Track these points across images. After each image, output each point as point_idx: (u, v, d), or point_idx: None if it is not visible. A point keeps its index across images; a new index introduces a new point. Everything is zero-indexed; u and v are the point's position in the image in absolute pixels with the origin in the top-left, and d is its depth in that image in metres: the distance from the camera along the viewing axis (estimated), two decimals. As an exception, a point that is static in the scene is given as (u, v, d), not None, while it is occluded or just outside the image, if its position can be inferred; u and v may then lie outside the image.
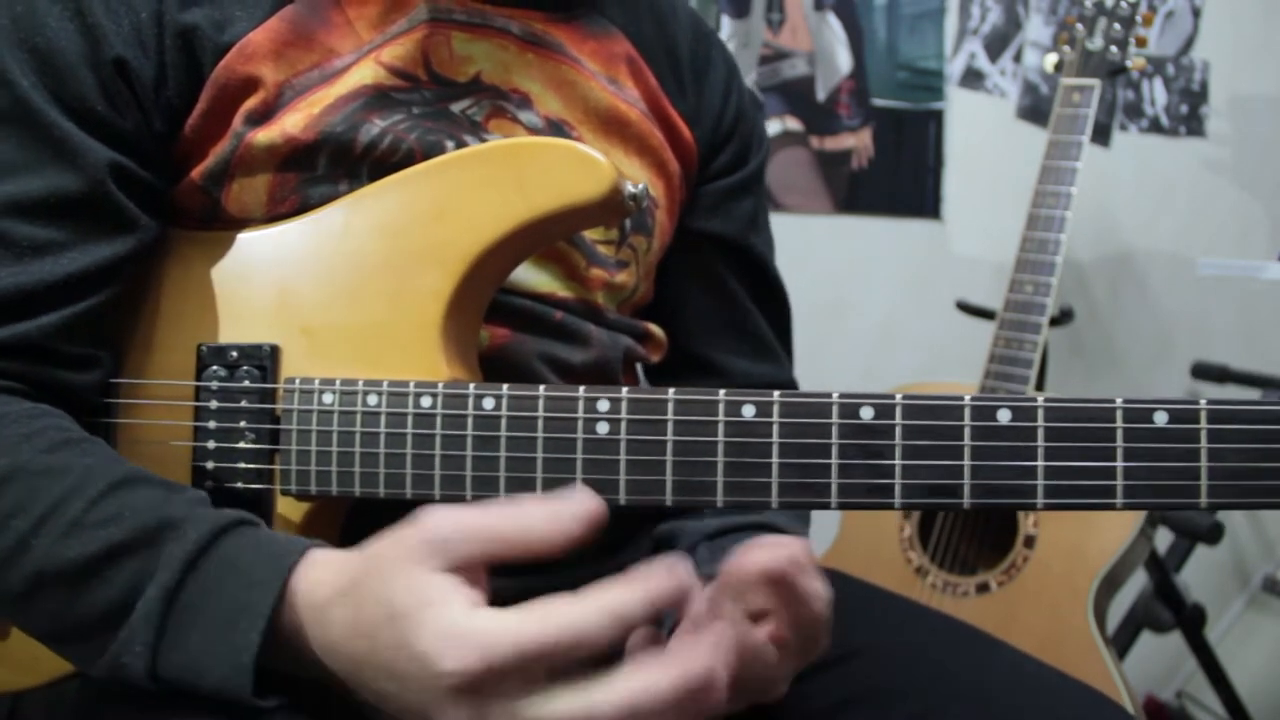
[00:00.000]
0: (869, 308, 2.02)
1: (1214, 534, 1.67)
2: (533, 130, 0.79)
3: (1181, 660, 2.06)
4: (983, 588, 1.44)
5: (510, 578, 0.78)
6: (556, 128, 0.80)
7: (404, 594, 0.52)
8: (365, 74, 0.74)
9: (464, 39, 0.77)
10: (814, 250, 1.95)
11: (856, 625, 0.81)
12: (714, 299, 0.91)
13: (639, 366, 0.91)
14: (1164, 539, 1.84)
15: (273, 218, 0.73)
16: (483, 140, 0.76)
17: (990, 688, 0.73)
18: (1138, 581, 1.75)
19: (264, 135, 0.71)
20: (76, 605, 0.60)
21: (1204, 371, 2.01)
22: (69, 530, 0.60)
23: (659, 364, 0.92)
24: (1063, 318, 1.67)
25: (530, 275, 0.78)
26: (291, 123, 0.71)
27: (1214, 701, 1.89)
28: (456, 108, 0.77)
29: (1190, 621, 1.74)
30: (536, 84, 0.80)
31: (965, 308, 1.81)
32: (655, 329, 0.88)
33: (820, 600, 0.63)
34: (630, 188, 0.68)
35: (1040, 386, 1.60)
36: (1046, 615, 1.37)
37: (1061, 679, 0.75)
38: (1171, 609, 1.73)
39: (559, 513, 0.54)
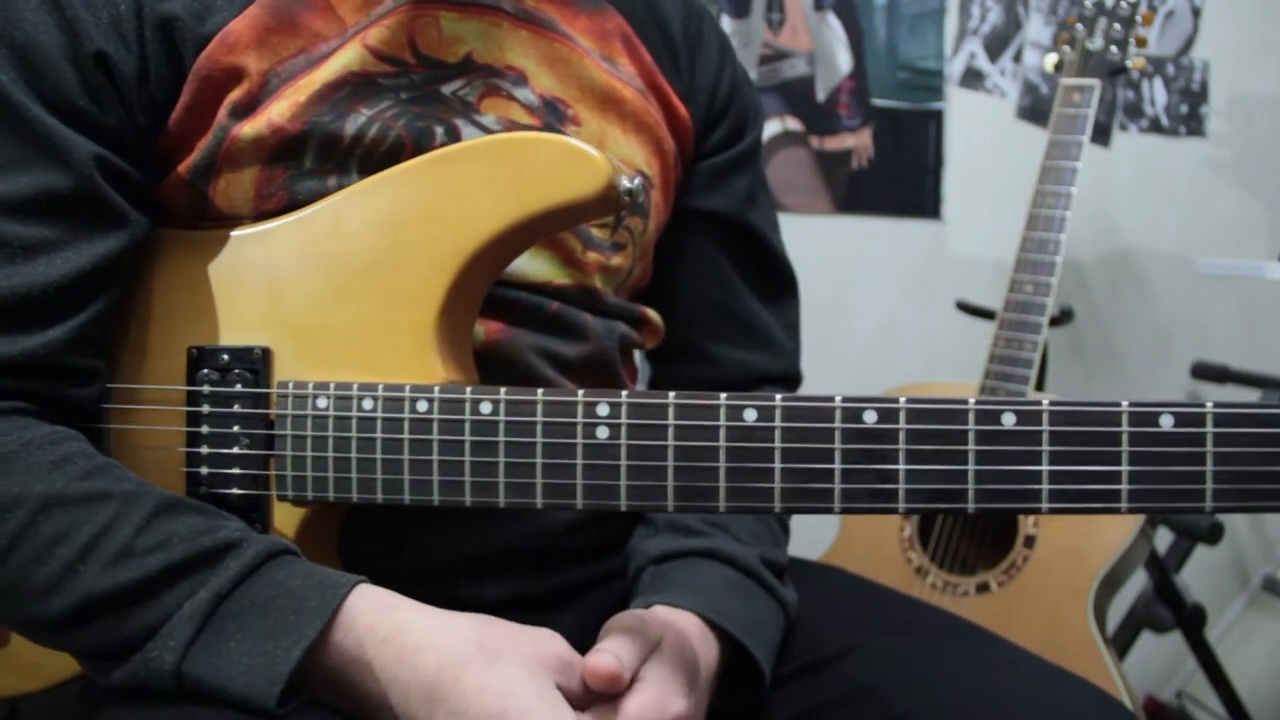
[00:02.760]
0: (869, 308, 2.01)
1: (1214, 534, 1.67)
2: (529, 108, 0.78)
3: (1181, 660, 2.06)
4: (983, 588, 1.43)
5: (512, 579, 0.77)
6: (552, 106, 0.79)
7: (527, 692, 0.60)
8: (351, 58, 0.73)
9: (453, 18, 0.76)
10: (814, 250, 1.94)
11: (856, 620, 0.81)
12: (707, 282, 0.90)
13: (635, 352, 0.90)
14: (1164, 539, 1.84)
15: (261, 214, 0.72)
16: (475, 121, 0.75)
17: (989, 683, 0.73)
18: (1138, 581, 1.74)
19: (250, 127, 0.70)
20: (125, 626, 0.61)
21: (1204, 371, 2.00)
22: (118, 557, 0.61)
23: (654, 350, 0.91)
24: (1063, 318, 1.66)
25: (526, 264, 0.77)
26: (277, 111, 0.70)
27: (1214, 701, 1.88)
28: (448, 89, 0.76)
29: (1190, 621, 1.74)
30: (531, 61, 0.79)
31: (965, 308, 1.81)
32: (652, 314, 0.88)
33: None
34: (625, 182, 0.67)
35: (1040, 387, 1.59)
36: (1046, 615, 1.36)
37: (1060, 674, 0.75)
38: (1171, 609, 1.73)
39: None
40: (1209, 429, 0.57)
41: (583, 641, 0.72)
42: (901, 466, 0.59)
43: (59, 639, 0.65)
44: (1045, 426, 0.58)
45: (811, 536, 1.02)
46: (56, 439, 0.66)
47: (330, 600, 0.61)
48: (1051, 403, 0.58)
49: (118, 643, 0.61)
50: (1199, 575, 1.93)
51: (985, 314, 1.70)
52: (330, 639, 0.61)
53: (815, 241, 1.95)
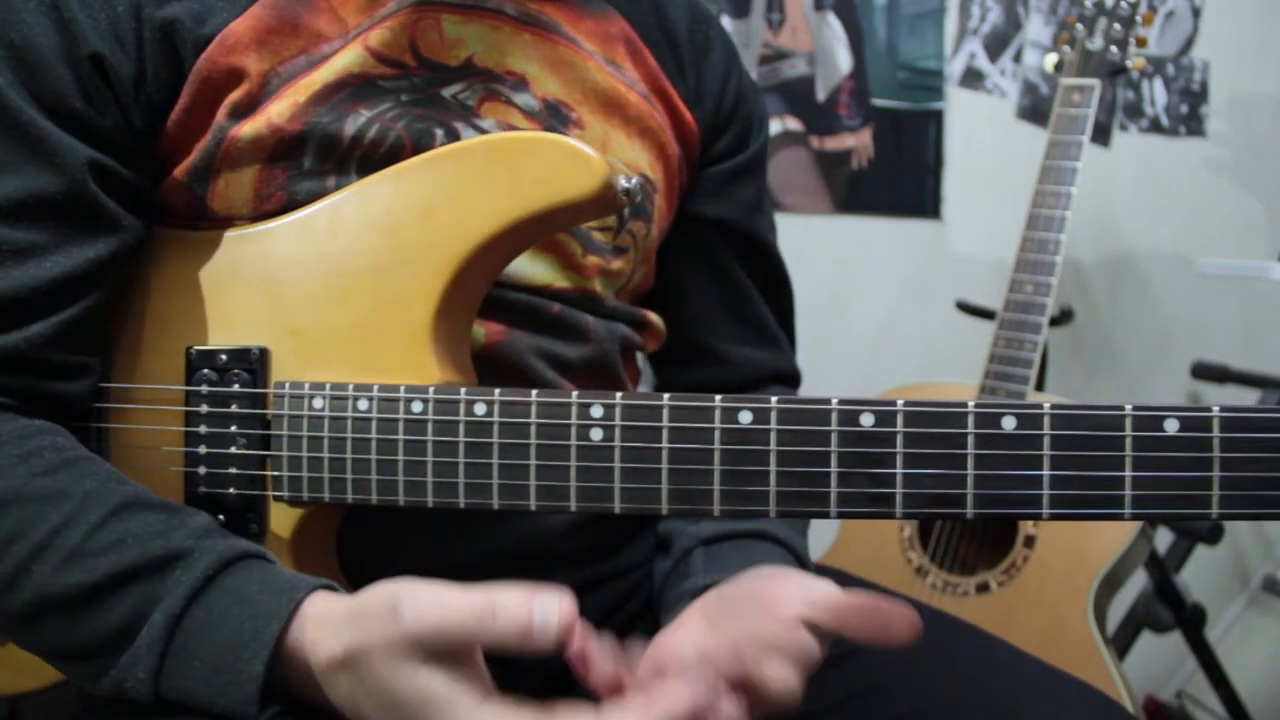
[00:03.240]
0: (869, 308, 2.01)
1: (1214, 534, 1.67)
2: (528, 113, 0.78)
3: (1181, 660, 2.05)
4: (983, 588, 1.43)
5: (509, 580, 0.77)
6: (554, 109, 0.79)
7: (403, 692, 0.55)
8: (351, 60, 0.72)
9: (455, 21, 0.76)
10: (814, 250, 1.95)
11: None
12: (716, 285, 0.90)
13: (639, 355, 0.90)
14: (1164, 539, 1.84)
15: (259, 215, 0.72)
16: (474, 125, 0.75)
17: (990, 686, 0.73)
18: (1138, 581, 1.74)
19: (249, 127, 0.70)
20: (78, 630, 0.61)
21: (1204, 371, 2.00)
22: (69, 558, 0.61)
23: (659, 352, 0.91)
24: (1063, 318, 1.67)
25: (526, 266, 0.76)
26: (277, 111, 0.70)
27: (1214, 701, 1.88)
28: (448, 92, 0.75)
29: (1190, 621, 1.74)
30: (534, 65, 0.78)
31: (965, 308, 1.81)
32: (654, 317, 0.87)
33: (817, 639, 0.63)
34: (623, 182, 0.67)
35: (1040, 387, 1.59)
36: (1046, 615, 1.36)
37: (1061, 677, 0.75)
38: (1171, 609, 1.73)
39: (534, 628, 0.55)
40: (1215, 434, 0.55)
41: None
42: (899, 470, 0.59)
43: (20, 638, 0.65)
44: (1046, 431, 0.57)
45: (812, 536, 1.01)
46: (29, 433, 0.65)
47: (287, 603, 0.59)
48: (1053, 406, 0.57)
49: (76, 645, 0.61)
50: (1199, 575, 1.93)
51: (985, 314, 1.71)
52: (290, 644, 0.59)
53: (815, 241, 1.95)
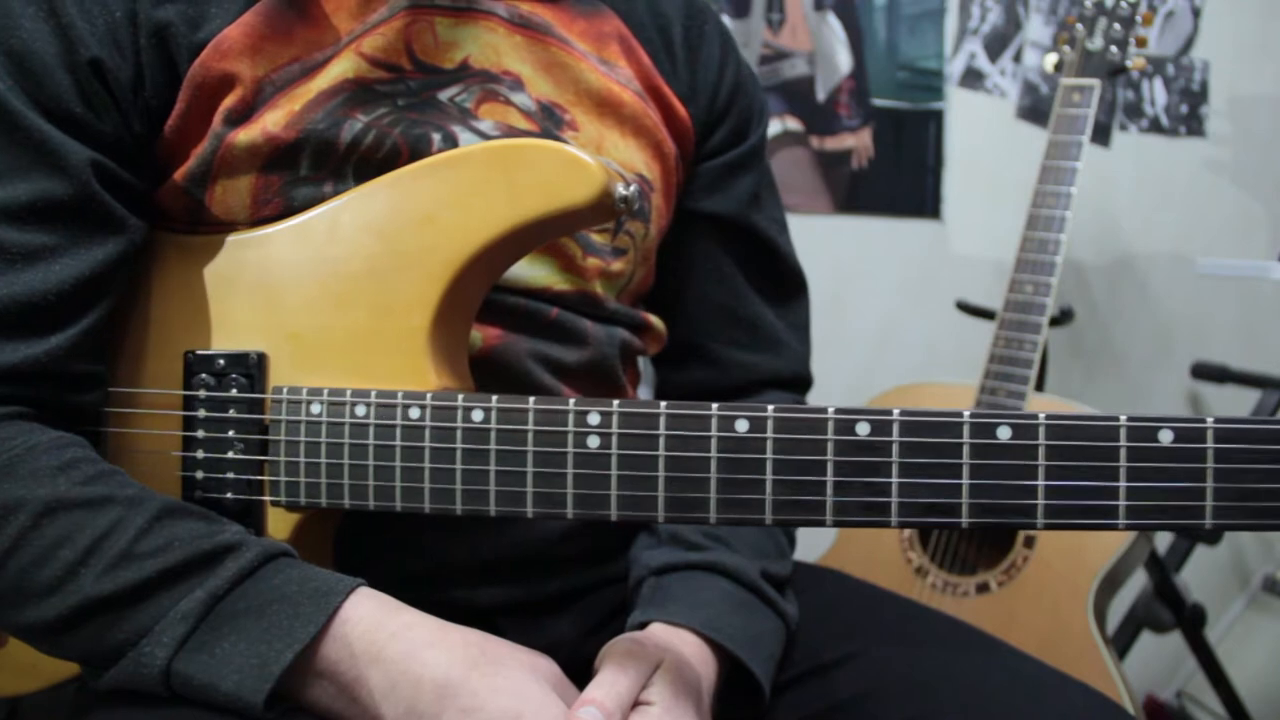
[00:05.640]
0: (868, 308, 2.01)
1: (1214, 534, 1.67)
2: (526, 113, 0.78)
3: (1181, 660, 2.05)
4: (983, 588, 1.43)
5: (507, 585, 0.77)
6: (549, 111, 0.79)
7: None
8: (346, 66, 0.72)
9: (448, 24, 0.76)
10: (814, 250, 1.93)
11: (856, 626, 0.81)
12: (711, 284, 0.90)
13: (639, 358, 0.90)
14: (1164, 539, 1.84)
15: (257, 220, 0.72)
16: (472, 127, 0.75)
17: (990, 689, 0.72)
18: (1138, 581, 1.74)
19: (245, 135, 0.70)
20: (119, 630, 0.62)
21: (1204, 371, 2.00)
22: (118, 561, 0.62)
23: (658, 355, 0.91)
24: (1063, 318, 1.66)
25: (526, 270, 0.76)
26: (272, 120, 0.70)
27: (1214, 701, 1.88)
28: (444, 95, 0.76)
29: (1190, 621, 1.74)
30: (527, 66, 0.78)
31: (965, 308, 1.80)
32: (654, 320, 0.87)
33: None
34: (621, 189, 0.67)
35: (1040, 387, 1.59)
36: (1046, 615, 1.36)
37: (1061, 679, 0.74)
38: (1171, 609, 1.73)
39: None
40: (1209, 444, 0.55)
41: (582, 648, 0.72)
42: (894, 480, 0.59)
43: (54, 642, 0.65)
44: (1041, 440, 0.57)
45: (811, 536, 1.01)
46: (61, 444, 0.66)
47: (325, 608, 0.61)
48: (1048, 416, 0.57)
49: (111, 646, 0.62)
50: (1199, 575, 1.93)
51: (985, 314, 1.70)
52: (325, 643, 0.61)
53: (815, 241, 1.95)
